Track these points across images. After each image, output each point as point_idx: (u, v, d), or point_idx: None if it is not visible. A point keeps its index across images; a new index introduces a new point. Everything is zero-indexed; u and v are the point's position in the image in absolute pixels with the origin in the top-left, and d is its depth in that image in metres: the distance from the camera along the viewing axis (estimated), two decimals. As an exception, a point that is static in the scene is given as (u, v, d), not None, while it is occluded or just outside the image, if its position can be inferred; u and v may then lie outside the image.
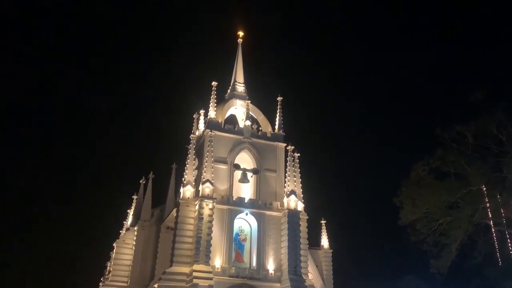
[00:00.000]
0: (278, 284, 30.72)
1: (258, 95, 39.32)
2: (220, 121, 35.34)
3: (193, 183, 32.09)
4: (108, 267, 41.78)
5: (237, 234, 32.24)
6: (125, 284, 36.45)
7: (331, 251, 37.71)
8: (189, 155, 33.03)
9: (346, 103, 79.09)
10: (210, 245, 29.41)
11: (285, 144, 35.83)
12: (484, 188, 30.32)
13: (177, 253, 29.55)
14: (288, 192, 33.31)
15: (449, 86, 71.03)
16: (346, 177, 69.60)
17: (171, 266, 29.38)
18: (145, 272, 35.89)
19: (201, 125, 37.18)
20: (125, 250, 37.70)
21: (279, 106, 37.34)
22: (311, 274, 34.69)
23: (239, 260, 31.58)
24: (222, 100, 38.04)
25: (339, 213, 56.47)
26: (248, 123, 35.54)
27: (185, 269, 29.10)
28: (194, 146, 33.71)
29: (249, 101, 37.03)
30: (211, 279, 28.30)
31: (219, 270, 29.74)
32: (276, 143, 35.84)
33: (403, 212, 32.87)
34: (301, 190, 34.68)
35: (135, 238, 37.53)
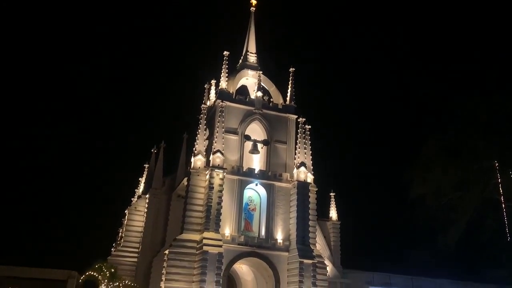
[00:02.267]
0: (286, 253, 31.37)
1: (270, 65, 39.22)
2: (231, 91, 35.23)
3: (204, 153, 32.40)
4: (120, 233, 42.65)
5: (247, 204, 32.67)
6: (137, 250, 37.38)
7: (339, 223, 38.27)
8: (200, 125, 33.18)
9: (359, 76, 78.20)
10: (220, 213, 29.97)
11: (296, 116, 35.78)
12: (496, 164, 30.36)
13: (188, 221, 30.20)
14: (298, 164, 33.53)
15: (463, 62, 69.48)
16: (357, 151, 69.62)
17: (181, 233, 30.09)
18: (156, 238, 36.78)
19: (212, 96, 37.13)
20: (136, 217, 38.47)
21: (291, 77, 37.11)
22: (319, 245, 35.30)
23: (248, 229, 32.12)
24: (233, 71, 37.75)
25: (348, 186, 56.45)
26: (260, 94, 35.35)
27: (195, 237, 29.80)
28: (205, 116, 33.83)
29: (261, 72, 36.66)
30: (220, 246, 28.94)
31: (229, 238, 30.37)
32: (287, 114, 35.81)
33: (413, 186, 33.15)
34: (311, 162, 34.92)
35: (146, 205, 38.28)
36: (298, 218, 31.74)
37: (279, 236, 31.95)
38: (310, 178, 34.02)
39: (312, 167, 34.71)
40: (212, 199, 30.06)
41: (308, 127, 35.35)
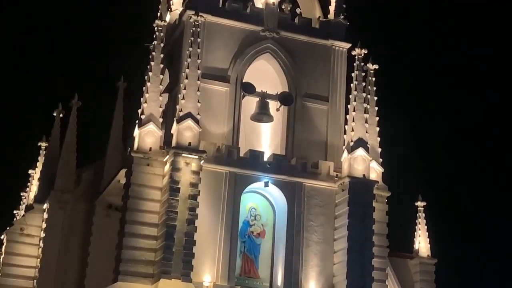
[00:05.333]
0: (326, 321, 32.12)
1: None
2: None
3: (160, 120, 32.41)
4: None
5: (247, 224, 33.08)
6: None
7: (434, 261, 38.56)
8: (153, 63, 33.10)
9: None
10: (193, 242, 30.08)
11: (348, 45, 36.02)
12: None
13: (128, 257, 30.17)
14: (352, 143, 33.53)
15: None
16: (468, 119, 69.21)
17: (116, 280, 30.16)
18: (64, 290, 37.34)
19: (177, 2, 37.39)
20: (24, 248, 38.71)
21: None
22: (393, 305, 35.82)
23: (250, 273, 32.63)
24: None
25: (451, 189, 57.11)
26: None
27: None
28: (161, 46, 33.76)
29: (277, -46, 36.76)
30: (194, 308, 29.35)
31: (211, 291, 30.78)
32: (330, 42, 36.06)
33: None
34: (379, 140, 35.08)
35: (44, 225, 38.49)
36: (351, 250, 31.97)
37: (312, 288, 32.37)
38: (376, 171, 34.25)
39: (380, 150, 34.87)
40: (176, 212, 30.08)
41: (373, 67, 35.36)
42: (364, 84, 34.85)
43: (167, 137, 32.13)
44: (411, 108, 63.18)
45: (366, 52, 35.13)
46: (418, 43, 71.50)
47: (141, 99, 32.67)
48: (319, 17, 36.74)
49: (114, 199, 35.60)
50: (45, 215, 38.61)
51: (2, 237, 40.19)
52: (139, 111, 32.51)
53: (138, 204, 30.82)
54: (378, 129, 35.17)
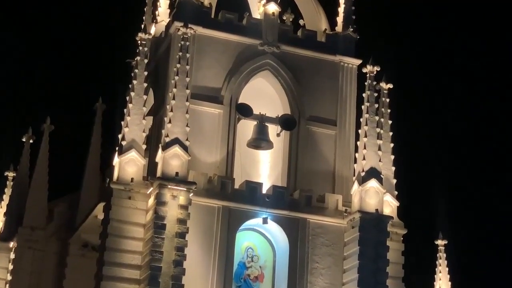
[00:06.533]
0: None
1: None
2: (206, 2, 35.52)
3: (143, 146, 32.06)
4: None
5: (243, 266, 32.67)
6: None
7: (457, 308, 38.84)
8: (135, 82, 32.83)
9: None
10: (181, 287, 29.60)
11: (359, 61, 36.08)
12: None
13: (107, 303, 30.30)
14: (363, 173, 33.01)
15: None
16: (490, 145, 68.88)
17: (92, 329, 30.25)
18: None
19: (163, 13, 38.21)
20: (-12, 294, 38.94)
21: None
22: None
23: None
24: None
25: (475, 225, 56.24)
26: (274, 7, 35.49)
27: None
28: (145, 62, 33.68)
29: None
30: None
31: None
32: (338, 57, 36.18)
33: None
34: (393, 169, 34.79)
35: (11, 266, 38.31)
36: (364, 296, 32.19)
37: None
38: (390, 205, 33.90)
39: (395, 182, 34.73)
40: (161, 253, 29.50)
41: (387, 86, 35.40)
42: (376, 106, 34.72)
43: (151, 166, 31.77)
44: (431, 132, 63.16)
45: (378, 69, 35.03)
46: (434, 56, 72.05)
47: (122, 122, 32.33)
48: (325, 29, 36.87)
49: (90, 237, 35.31)
50: (12, 255, 38.50)
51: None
52: (120, 136, 32.12)
53: (118, 243, 30.33)
54: (392, 157, 34.92)
